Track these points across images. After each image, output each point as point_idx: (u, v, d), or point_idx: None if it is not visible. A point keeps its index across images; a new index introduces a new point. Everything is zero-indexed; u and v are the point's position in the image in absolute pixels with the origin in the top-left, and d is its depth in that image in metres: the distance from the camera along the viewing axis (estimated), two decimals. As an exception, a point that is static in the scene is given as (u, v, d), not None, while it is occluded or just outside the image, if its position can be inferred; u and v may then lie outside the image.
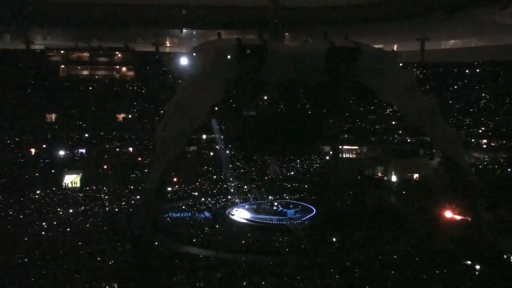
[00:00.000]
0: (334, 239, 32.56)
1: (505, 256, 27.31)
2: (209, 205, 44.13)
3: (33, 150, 56.21)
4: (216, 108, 32.37)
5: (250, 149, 37.16)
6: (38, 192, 45.64)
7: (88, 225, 34.75)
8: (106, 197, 45.47)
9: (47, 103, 61.55)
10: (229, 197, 47.37)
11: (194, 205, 43.81)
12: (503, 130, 54.23)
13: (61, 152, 56.07)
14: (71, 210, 40.19)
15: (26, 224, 34.92)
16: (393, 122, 59.62)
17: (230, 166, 53.65)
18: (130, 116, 62.86)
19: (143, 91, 66.01)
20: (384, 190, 50.58)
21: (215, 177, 53.91)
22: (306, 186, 52.07)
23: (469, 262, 25.92)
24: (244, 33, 58.80)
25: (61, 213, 39.31)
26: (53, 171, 51.94)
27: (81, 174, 53.01)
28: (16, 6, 56.13)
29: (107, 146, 58.34)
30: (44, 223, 34.84)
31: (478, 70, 63.71)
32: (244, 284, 23.70)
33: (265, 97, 33.97)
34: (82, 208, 41.19)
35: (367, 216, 38.15)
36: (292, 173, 56.36)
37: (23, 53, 67.74)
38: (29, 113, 59.91)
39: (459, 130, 44.46)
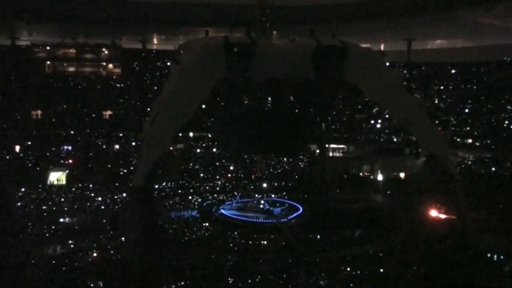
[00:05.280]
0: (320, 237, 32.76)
1: (488, 255, 27.64)
2: (196, 203, 44.03)
3: (17, 147, 55.51)
4: (203, 106, 32.17)
5: (237, 147, 37.13)
6: (23, 189, 45.13)
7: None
8: (92, 194, 45.15)
9: (32, 99, 60.76)
10: (215, 195, 47.31)
11: (180, 203, 43.71)
12: (487, 130, 54.83)
13: (47, 149, 55.29)
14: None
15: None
16: (380, 121, 59.92)
17: (217, 164, 53.55)
18: (116, 113, 62.37)
19: (130, 88, 65.51)
20: (370, 188, 50.86)
21: (202, 175, 53.75)
22: (292, 184, 52.20)
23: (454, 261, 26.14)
24: (232, 31, 58.64)
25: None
26: (38, 168, 51.34)
27: (66, 172, 52.51)
28: (1, 1, 55.33)
29: (94, 143, 57.77)
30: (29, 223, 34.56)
31: (463, 70, 64.23)
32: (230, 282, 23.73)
33: (252, 96, 33.79)
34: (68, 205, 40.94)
35: (353, 215, 38.38)
36: (279, 171, 56.40)
37: (8, 49, 66.76)
38: (14, 109, 59.11)
39: (445, 130, 44.83)
